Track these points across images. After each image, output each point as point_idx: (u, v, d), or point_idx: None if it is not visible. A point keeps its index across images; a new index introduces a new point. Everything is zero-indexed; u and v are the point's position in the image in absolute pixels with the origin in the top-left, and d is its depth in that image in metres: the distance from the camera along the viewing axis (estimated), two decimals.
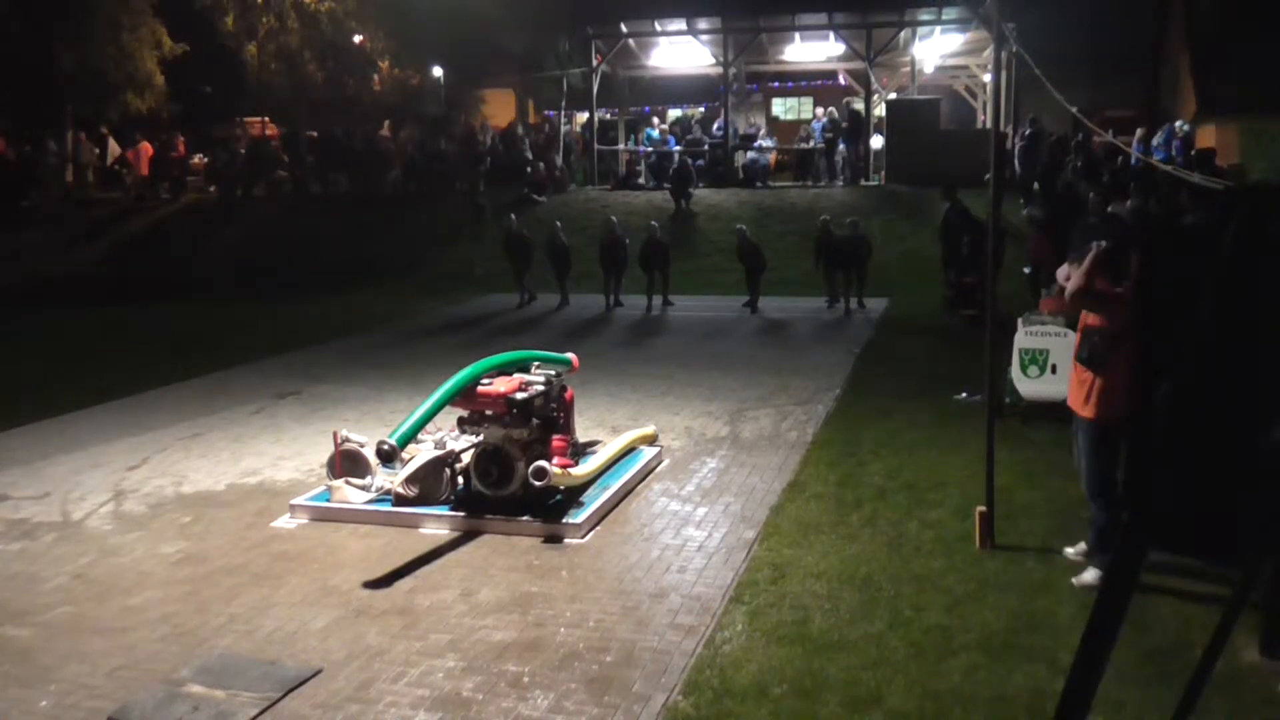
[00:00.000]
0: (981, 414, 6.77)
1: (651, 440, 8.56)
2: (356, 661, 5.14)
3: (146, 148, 27.11)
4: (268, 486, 8.05)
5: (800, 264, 19.30)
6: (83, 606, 5.90)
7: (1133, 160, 17.76)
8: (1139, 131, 20.85)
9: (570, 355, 8.50)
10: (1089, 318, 5.85)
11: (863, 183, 24.03)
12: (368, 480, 7.55)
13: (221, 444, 9.30)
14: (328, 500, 7.40)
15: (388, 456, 6.68)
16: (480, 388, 7.29)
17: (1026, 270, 13.65)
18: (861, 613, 5.52)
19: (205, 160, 28.02)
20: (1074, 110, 8.61)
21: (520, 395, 7.26)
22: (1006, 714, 4.50)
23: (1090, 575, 5.75)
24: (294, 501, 7.44)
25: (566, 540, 6.72)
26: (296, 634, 5.47)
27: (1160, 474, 1.56)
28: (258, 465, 8.60)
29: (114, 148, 27.95)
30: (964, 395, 9.87)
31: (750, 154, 25.31)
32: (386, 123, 27.76)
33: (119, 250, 23.01)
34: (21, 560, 6.65)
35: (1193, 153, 19.85)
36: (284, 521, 7.25)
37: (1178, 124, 21.06)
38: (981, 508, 6.36)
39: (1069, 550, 6.13)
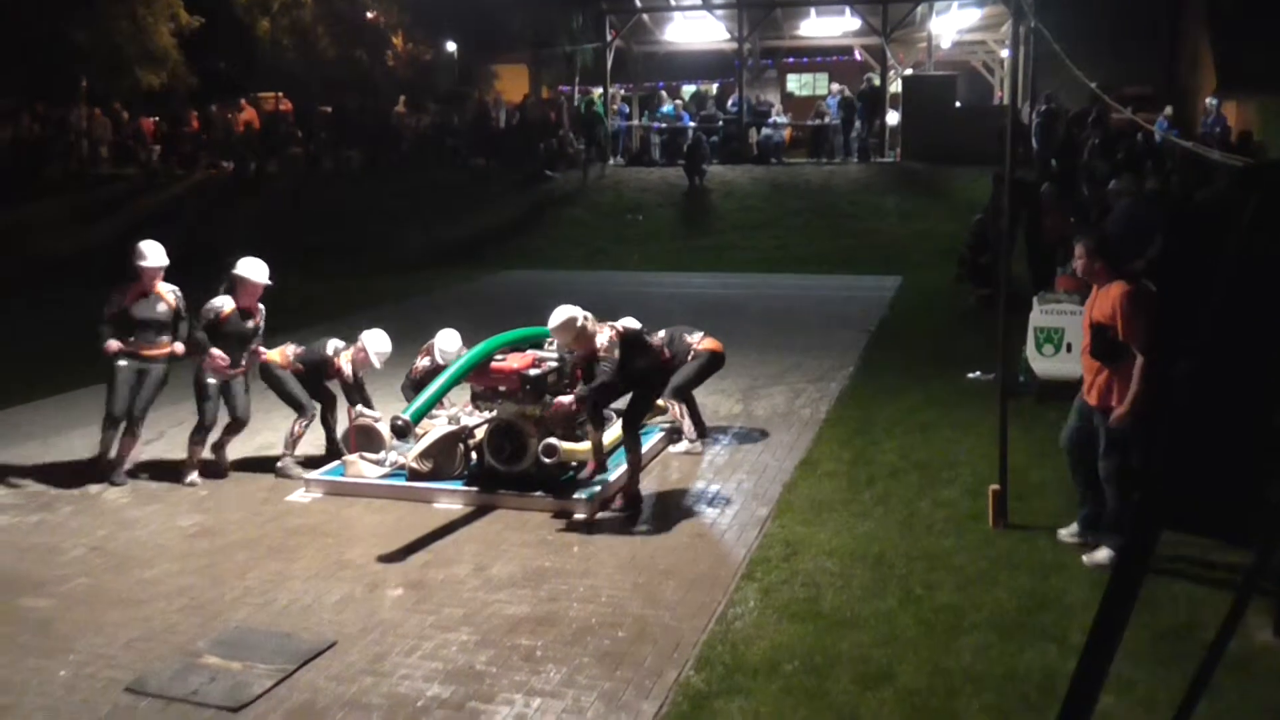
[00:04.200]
0: (994, 393, 6.75)
1: (661, 412, 8.52)
2: (371, 635, 5.18)
3: (146, 124, 27.15)
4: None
5: (814, 241, 19.26)
6: (100, 578, 5.96)
7: (1157, 139, 17.59)
8: (1167, 110, 20.64)
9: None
10: (1095, 311, 5.76)
11: (877, 159, 23.90)
12: (382, 455, 7.59)
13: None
14: (342, 475, 7.44)
15: (402, 432, 6.72)
16: (494, 364, 7.30)
17: None
18: (873, 590, 5.53)
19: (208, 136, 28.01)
20: (1093, 86, 8.53)
21: (534, 372, 7.26)
22: (1017, 692, 4.50)
23: (1103, 554, 5.73)
24: (309, 476, 7.48)
25: (579, 516, 6.75)
26: (311, 607, 5.51)
27: (1174, 454, 1.55)
28: (273, 440, 8.62)
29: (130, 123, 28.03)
30: (976, 374, 9.83)
31: (765, 130, 25.18)
32: (403, 99, 27.69)
33: (134, 225, 23.04)
34: (40, 532, 6.71)
35: (1217, 130, 19.68)
36: (299, 496, 7.30)
37: (1211, 102, 20.84)
38: (995, 486, 6.35)
39: (1062, 532, 6.07)
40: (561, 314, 6.88)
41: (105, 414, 7.58)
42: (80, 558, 6.27)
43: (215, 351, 7.32)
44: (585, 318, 6.86)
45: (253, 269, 7.56)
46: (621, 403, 8.86)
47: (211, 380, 7.41)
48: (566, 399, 6.99)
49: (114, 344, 7.27)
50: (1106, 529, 5.81)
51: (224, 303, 7.44)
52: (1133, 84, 23.57)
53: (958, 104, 24.63)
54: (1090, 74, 7.93)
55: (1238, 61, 22.11)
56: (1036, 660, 4.75)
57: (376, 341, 7.92)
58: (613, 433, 7.75)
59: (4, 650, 5.11)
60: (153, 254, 7.47)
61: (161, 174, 26.39)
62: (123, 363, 7.35)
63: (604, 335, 6.82)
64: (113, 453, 7.59)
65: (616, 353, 6.77)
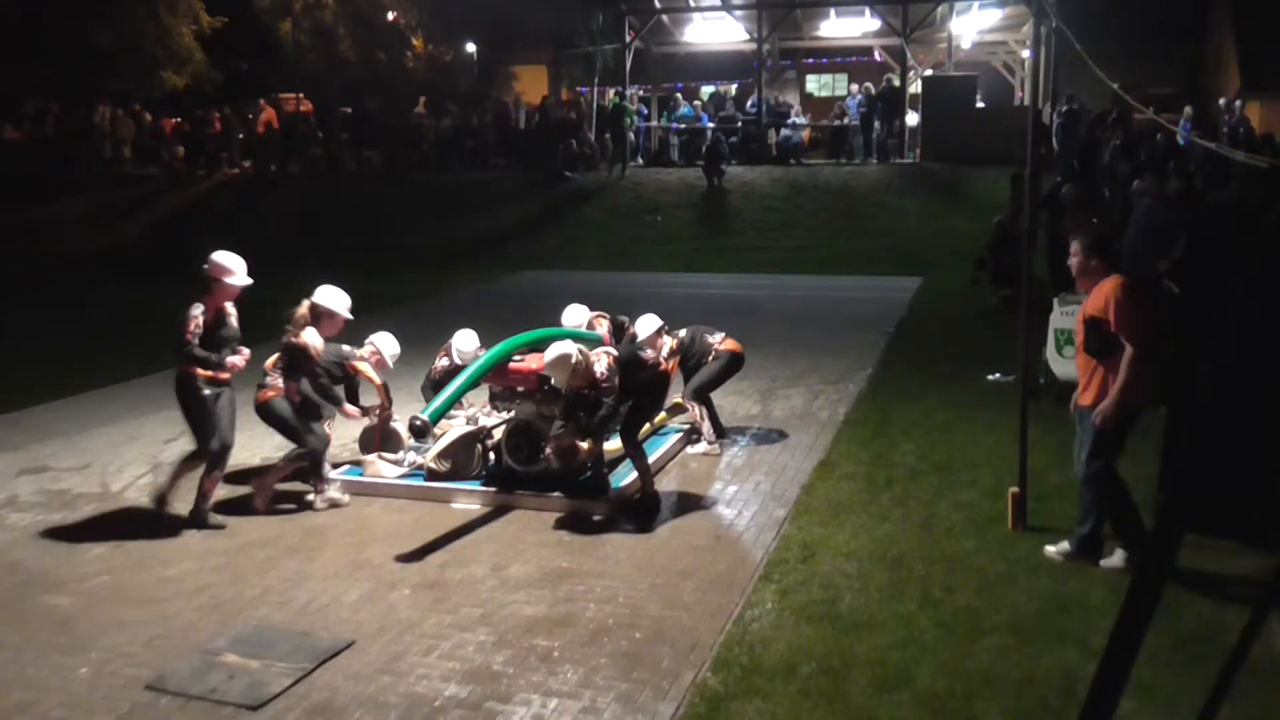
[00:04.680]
0: (1014, 394, 6.71)
1: (681, 411, 8.50)
2: (388, 634, 5.19)
3: (168, 124, 27.42)
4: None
5: (831, 243, 19.22)
6: (121, 576, 5.99)
7: (1180, 141, 17.47)
8: (1187, 110, 20.50)
9: (602, 332, 8.50)
10: (1088, 306, 5.66)
11: (896, 160, 23.83)
12: (400, 455, 7.61)
13: (256, 418, 9.35)
14: (361, 475, 7.46)
15: (420, 432, 6.73)
16: (512, 364, 7.31)
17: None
18: (891, 593, 5.51)
19: (241, 137, 28.22)
20: (1115, 86, 8.47)
21: None
22: (1037, 696, 4.48)
23: (1118, 558, 5.66)
24: (330, 475, 7.49)
25: (596, 517, 6.74)
26: (330, 606, 5.53)
27: (1199, 456, 1.54)
28: (288, 443, 8.65)
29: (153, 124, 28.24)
30: (996, 376, 9.78)
31: (784, 131, 25.14)
32: (423, 100, 27.78)
33: (157, 225, 23.24)
34: (61, 530, 6.75)
35: (1241, 130, 19.51)
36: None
37: (1236, 103, 20.64)
38: (1014, 489, 6.31)
39: (1050, 549, 5.93)
40: (554, 352, 6.75)
41: (201, 450, 6.63)
42: (101, 556, 6.31)
43: (350, 407, 7.21)
44: (579, 352, 6.80)
45: (339, 301, 7.08)
46: None
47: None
48: (567, 439, 6.85)
49: (241, 359, 6.66)
50: (1119, 538, 5.70)
51: (317, 339, 6.91)
52: (1155, 84, 23.42)
53: (981, 104, 24.49)
54: (1112, 74, 7.87)
55: (1262, 62, 21.93)
56: (1056, 663, 4.72)
57: (387, 344, 7.84)
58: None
59: (26, 647, 5.15)
60: (239, 270, 6.59)
61: (183, 174, 26.58)
62: (207, 392, 6.52)
63: (601, 364, 6.74)
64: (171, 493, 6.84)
65: (616, 379, 6.72)
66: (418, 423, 6.59)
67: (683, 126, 25.53)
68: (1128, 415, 5.50)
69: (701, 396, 8.08)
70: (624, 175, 23.81)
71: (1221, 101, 21.40)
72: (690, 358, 8.09)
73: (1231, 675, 1.57)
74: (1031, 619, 5.16)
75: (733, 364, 8.14)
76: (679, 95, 27.92)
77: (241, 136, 27.55)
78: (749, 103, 25.84)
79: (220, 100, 28.27)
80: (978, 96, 25.30)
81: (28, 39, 23.68)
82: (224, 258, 6.59)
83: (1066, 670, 4.64)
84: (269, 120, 26.58)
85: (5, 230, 21.50)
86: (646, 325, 8.13)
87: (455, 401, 7.17)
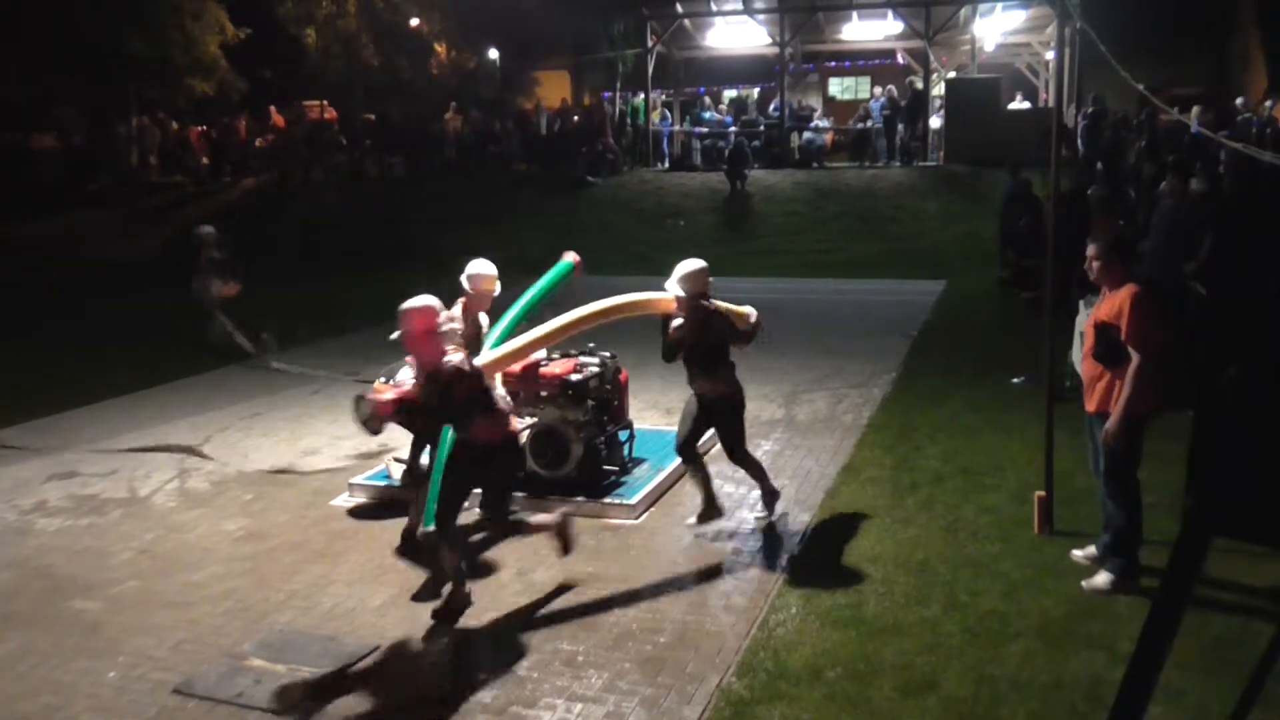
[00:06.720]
0: (1040, 398, 6.67)
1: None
2: (413, 638, 5.21)
3: (193, 132, 27.69)
4: (327, 465, 8.17)
5: (854, 246, 19.16)
6: (149, 581, 6.05)
7: (1193, 130, 17.27)
8: (1195, 110, 20.30)
9: (570, 257, 8.30)
10: (1100, 311, 5.55)
11: (920, 163, 23.73)
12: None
13: (282, 423, 9.44)
14: (386, 479, 7.48)
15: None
16: (541, 369, 7.35)
17: None
18: (917, 597, 5.48)
19: (264, 143, 28.38)
20: (1140, 88, 8.39)
21: (575, 377, 7.30)
22: (1064, 701, 4.44)
23: (1102, 579, 5.48)
24: (352, 480, 7.55)
25: (621, 521, 6.74)
26: (355, 611, 5.56)
27: (1227, 460, 1.52)
28: (317, 444, 8.73)
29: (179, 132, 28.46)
30: (1021, 379, 9.71)
31: (806, 134, 25.09)
32: (453, 104, 27.83)
33: (184, 232, 23.37)
34: (90, 535, 6.82)
35: (1269, 131, 19.28)
36: (342, 500, 7.36)
37: (1267, 104, 20.39)
38: (1040, 493, 6.27)
39: (1076, 553, 5.87)
40: (694, 263, 6.99)
41: None
42: (129, 561, 6.37)
43: None
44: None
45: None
46: (653, 416, 8.83)
47: None
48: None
49: None
50: (1110, 550, 5.55)
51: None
52: (1181, 85, 23.18)
53: (1001, 106, 24.31)
54: (1136, 75, 7.79)
55: None
56: (1084, 668, 4.68)
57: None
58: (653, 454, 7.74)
59: (55, 651, 5.20)
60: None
61: (209, 182, 26.78)
62: None
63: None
64: None
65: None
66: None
67: (705, 130, 25.54)
68: (1136, 424, 5.38)
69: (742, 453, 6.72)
70: (644, 178, 23.87)
71: (1239, 101, 21.14)
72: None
73: (1261, 681, 1.56)
74: (1058, 624, 5.13)
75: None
76: (706, 99, 27.89)
77: (259, 143, 27.73)
78: (771, 106, 25.80)
79: (244, 108, 28.50)
80: (1018, 98, 25.15)
81: (61, 47, 23.87)
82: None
83: (1094, 675, 4.61)
84: (278, 127, 26.76)
85: (34, 239, 21.71)
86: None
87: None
